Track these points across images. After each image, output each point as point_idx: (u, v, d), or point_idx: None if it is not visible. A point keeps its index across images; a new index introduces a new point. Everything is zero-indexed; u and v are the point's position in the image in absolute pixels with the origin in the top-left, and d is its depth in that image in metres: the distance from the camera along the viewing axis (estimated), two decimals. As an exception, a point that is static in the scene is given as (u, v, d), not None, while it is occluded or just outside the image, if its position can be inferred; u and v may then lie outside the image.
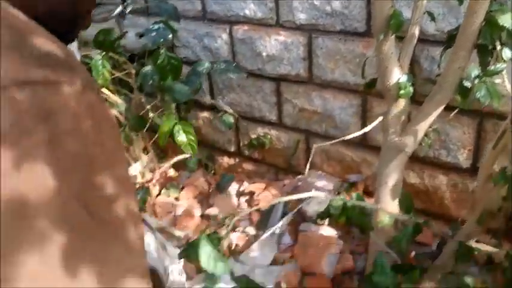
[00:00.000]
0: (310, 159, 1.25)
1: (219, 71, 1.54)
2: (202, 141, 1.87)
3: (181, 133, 1.33)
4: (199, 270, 1.44)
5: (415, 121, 1.09)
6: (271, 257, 1.37)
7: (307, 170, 1.30)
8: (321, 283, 1.29)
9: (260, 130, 1.72)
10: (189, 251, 0.74)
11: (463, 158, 1.32)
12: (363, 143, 1.50)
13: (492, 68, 0.92)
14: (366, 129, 1.20)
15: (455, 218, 1.37)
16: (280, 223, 1.46)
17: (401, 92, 1.06)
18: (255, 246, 1.39)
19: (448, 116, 1.21)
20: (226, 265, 0.71)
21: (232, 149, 1.85)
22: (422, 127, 1.09)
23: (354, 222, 1.05)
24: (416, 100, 1.18)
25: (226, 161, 1.90)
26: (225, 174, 1.70)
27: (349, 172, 1.55)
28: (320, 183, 1.53)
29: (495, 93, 0.95)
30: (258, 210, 1.56)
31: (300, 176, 1.63)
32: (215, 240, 0.73)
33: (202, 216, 1.63)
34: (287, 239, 1.45)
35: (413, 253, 1.34)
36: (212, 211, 1.61)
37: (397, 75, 1.05)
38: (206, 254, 0.71)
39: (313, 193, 1.02)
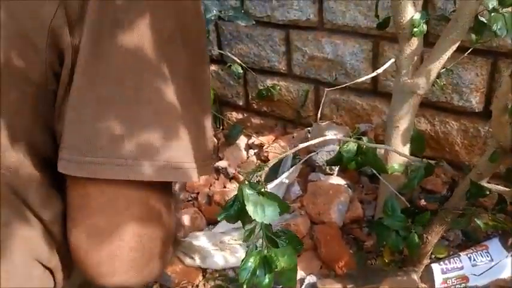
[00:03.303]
0: (321, 103, 1.22)
1: (227, 18, 1.51)
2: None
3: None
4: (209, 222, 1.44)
5: (428, 61, 1.06)
6: None
7: (318, 116, 1.27)
8: (331, 231, 1.28)
9: (269, 82, 1.69)
10: (229, 209, 0.67)
11: (475, 102, 1.29)
12: (374, 90, 1.47)
13: (511, -3, 0.88)
14: (379, 70, 1.17)
15: (466, 165, 1.34)
16: (287, 173, 1.44)
17: (415, 29, 1.03)
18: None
19: (461, 58, 1.17)
20: (275, 209, 0.62)
21: (241, 102, 1.83)
22: (436, 66, 1.06)
23: (368, 164, 1.02)
24: (430, 42, 1.15)
25: (234, 115, 1.88)
26: (235, 125, 1.68)
27: (359, 122, 1.52)
28: (330, 132, 1.51)
29: (512, 25, 0.91)
30: (265, 162, 1.54)
31: (309, 128, 1.60)
32: (256, 186, 0.65)
33: (211, 169, 1.62)
34: (296, 189, 1.44)
35: (422, 201, 1.33)
36: (222, 164, 1.60)
37: (411, 13, 1.02)
38: (253, 202, 0.62)
39: (323, 138, 0.99)
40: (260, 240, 0.67)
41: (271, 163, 0.73)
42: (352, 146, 0.96)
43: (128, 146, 0.52)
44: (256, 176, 0.69)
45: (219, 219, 0.67)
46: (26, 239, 0.58)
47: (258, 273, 0.62)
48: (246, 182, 0.64)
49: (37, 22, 0.50)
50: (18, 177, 0.56)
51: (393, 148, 1.07)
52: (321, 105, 1.24)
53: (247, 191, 0.63)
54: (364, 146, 0.96)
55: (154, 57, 0.52)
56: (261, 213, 0.62)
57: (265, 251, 0.63)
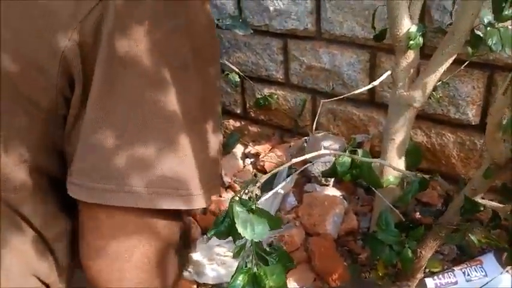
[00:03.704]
0: (317, 114, 1.22)
1: (225, 26, 1.51)
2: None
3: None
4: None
5: (424, 74, 1.06)
6: None
7: (314, 127, 1.27)
8: (325, 243, 1.27)
9: (266, 90, 1.69)
10: (220, 225, 0.67)
11: (472, 114, 1.28)
12: (371, 100, 1.46)
13: (507, 12, 0.87)
14: (375, 83, 1.16)
15: (462, 178, 1.34)
16: (283, 183, 1.43)
17: (411, 42, 1.02)
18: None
19: (458, 71, 1.17)
20: (265, 227, 0.63)
21: (238, 110, 1.82)
22: (432, 80, 1.05)
23: (363, 179, 1.02)
24: (426, 54, 1.14)
25: (232, 123, 1.87)
26: (232, 133, 1.67)
27: (355, 132, 1.52)
28: (326, 143, 1.50)
29: (507, 40, 0.90)
30: (263, 172, 1.54)
31: (305, 138, 1.60)
32: (247, 203, 0.65)
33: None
34: (292, 200, 1.43)
35: (418, 214, 1.32)
36: (217, 172, 1.59)
37: (407, 25, 1.01)
38: (242, 220, 0.62)
39: (317, 152, 0.98)
40: (250, 257, 0.67)
41: (263, 178, 0.72)
42: (346, 159, 0.95)
43: (136, 174, 0.53)
44: (248, 191, 0.69)
45: (208, 235, 0.67)
46: (23, 254, 0.59)
47: (246, 291, 0.61)
48: (237, 199, 0.63)
49: (49, 50, 0.51)
50: (20, 196, 0.57)
51: (387, 162, 1.06)
52: (317, 116, 1.24)
53: (237, 209, 0.62)
54: (359, 160, 0.95)
55: (166, 85, 0.53)
56: (251, 231, 0.61)
57: (255, 269, 0.63)
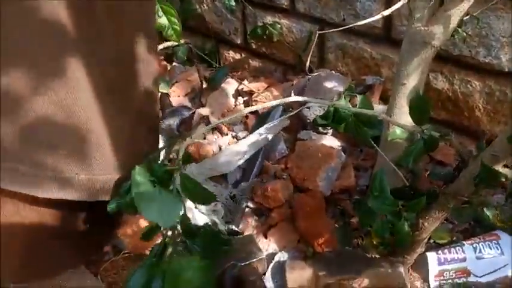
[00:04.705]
0: (312, 46, 1.00)
1: None
2: (206, 31, 1.64)
3: (161, 14, 1.11)
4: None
5: (448, 5, 0.85)
6: (234, 165, 1.17)
7: (307, 63, 1.06)
8: (312, 202, 1.09)
9: (270, 19, 1.46)
10: (125, 196, 0.51)
11: (505, 59, 1.06)
12: (387, 36, 1.24)
13: None
14: (385, 12, 0.94)
15: (487, 134, 1.13)
16: (265, 127, 1.24)
17: (434, -39, 0.79)
18: (223, 152, 1.19)
19: (493, 2, 0.94)
20: (175, 208, 0.46)
21: (239, 41, 1.61)
22: (458, 12, 0.86)
23: (351, 133, 0.83)
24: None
25: (231, 55, 1.67)
26: (221, 67, 1.47)
27: (366, 73, 1.30)
28: (329, 84, 1.29)
29: None
30: (253, 113, 1.34)
31: (309, 76, 1.39)
32: (165, 174, 0.47)
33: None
34: (282, 148, 1.23)
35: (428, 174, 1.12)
36: (203, 111, 1.40)
37: None
38: (147, 196, 0.45)
39: (294, 98, 0.78)
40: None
41: (195, 136, 0.53)
42: (331, 109, 0.75)
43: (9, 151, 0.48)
44: (172, 152, 0.51)
45: (108, 209, 0.50)
46: None
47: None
48: (141, 167, 0.45)
49: None
50: None
51: (386, 116, 0.85)
52: (311, 49, 1.02)
53: (138, 179, 0.43)
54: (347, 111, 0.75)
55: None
56: (157, 212, 0.43)
57: (167, 263, 0.45)
